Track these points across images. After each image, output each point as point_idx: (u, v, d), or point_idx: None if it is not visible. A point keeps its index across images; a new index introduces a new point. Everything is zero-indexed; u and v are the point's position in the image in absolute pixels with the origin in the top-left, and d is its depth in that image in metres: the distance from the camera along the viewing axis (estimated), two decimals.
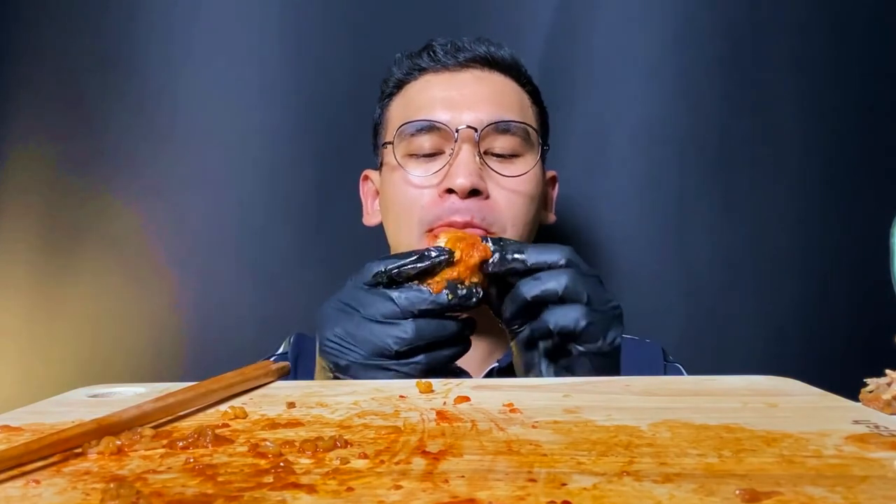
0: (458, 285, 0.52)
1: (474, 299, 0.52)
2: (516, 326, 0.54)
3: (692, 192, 0.93)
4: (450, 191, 0.65)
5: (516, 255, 0.52)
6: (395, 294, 0.51)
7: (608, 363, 0.51)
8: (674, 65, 0.92)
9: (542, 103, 0.76)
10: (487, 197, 0.66)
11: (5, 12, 0.91)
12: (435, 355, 0.51)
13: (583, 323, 0.49)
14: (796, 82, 0.93)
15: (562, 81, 0.91)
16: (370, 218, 0.79)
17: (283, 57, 0.93)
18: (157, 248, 0.92)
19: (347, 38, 0.92)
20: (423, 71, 0.72)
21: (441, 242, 0.54)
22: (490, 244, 0.53)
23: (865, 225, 0.85)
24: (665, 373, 0.75)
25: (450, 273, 0.52)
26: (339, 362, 0.52)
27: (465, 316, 0.54)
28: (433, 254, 0.52)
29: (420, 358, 0.51)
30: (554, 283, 0.50)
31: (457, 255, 0.53)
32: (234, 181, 0.93)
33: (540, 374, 0.53)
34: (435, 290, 0.52)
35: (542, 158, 0.73)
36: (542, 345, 0.53)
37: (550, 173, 0.78)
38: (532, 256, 0.52)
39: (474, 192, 0.65)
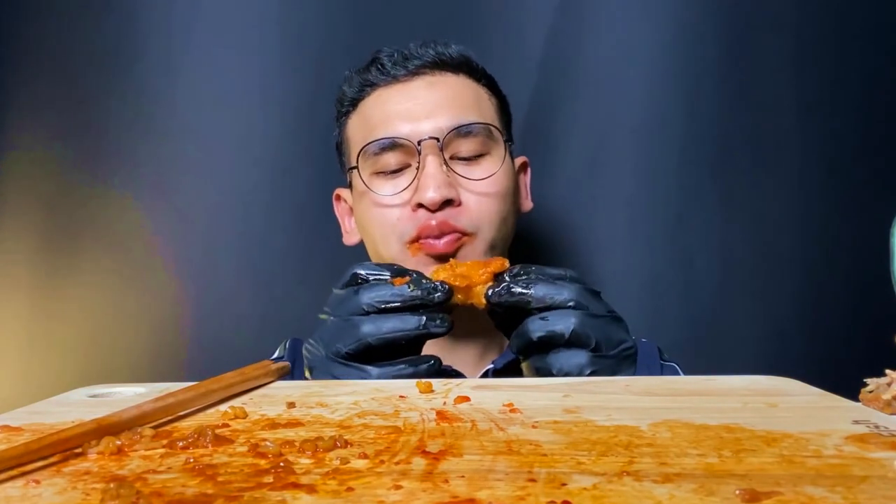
0: (423, 279, 0.50)
1: (439, 293, 0.49)
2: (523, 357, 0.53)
3: (692, 192, 0.92)
4: (421, 205, 0.64)
5: (522, 290, 0.50)
6: (358, 290, 0.51)
7: None
8: (674, 65, 0.92)
9: (501, 93, 0.74)
10: (459, 203, 0.65)
11: (5, 12, 0.91)
12: (387, 370, 0.49)
13: (587, 371, 0.48)
14: (796, 82, 0.93)
15: (562, 81, 0.91)
16: (349, 237, 0.77)
17: (284, 57, 0.92)
18: (157, 248, 0.92)
19: (348, 37, 0.91)
20: (374, 86, 0.70)
21: (442, 276, 0.52)
22: (506, 273, 0.52)
23: (865, 225, 0.84)
24: (661, 372, 0.75)
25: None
26: (309, 364, 0.52)
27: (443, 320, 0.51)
28: (432, 287, 0.50)
29: (371, 369, 0.49)
30: (561, 325, 0.48)
31: (456, 294, 0.51)
32: (234, 181, 0.93)
33: None
34: (397, 283, 0.50)
35: (510, 151, 0.72)
36: None
37: (521, 160, 0.76)
38: (539, 292, 0.50)
39: (446, 203, 0.64)
